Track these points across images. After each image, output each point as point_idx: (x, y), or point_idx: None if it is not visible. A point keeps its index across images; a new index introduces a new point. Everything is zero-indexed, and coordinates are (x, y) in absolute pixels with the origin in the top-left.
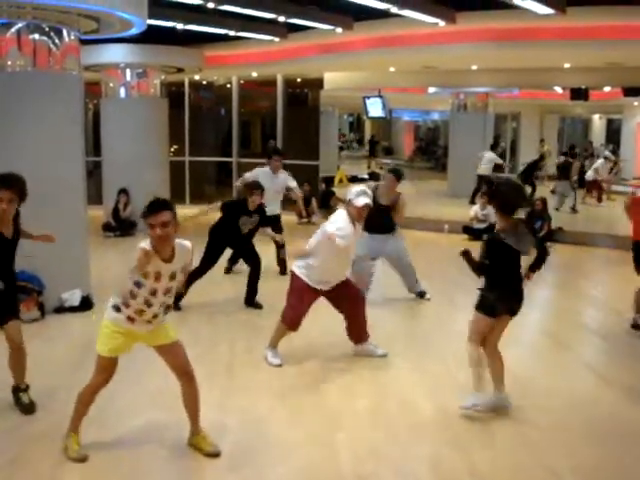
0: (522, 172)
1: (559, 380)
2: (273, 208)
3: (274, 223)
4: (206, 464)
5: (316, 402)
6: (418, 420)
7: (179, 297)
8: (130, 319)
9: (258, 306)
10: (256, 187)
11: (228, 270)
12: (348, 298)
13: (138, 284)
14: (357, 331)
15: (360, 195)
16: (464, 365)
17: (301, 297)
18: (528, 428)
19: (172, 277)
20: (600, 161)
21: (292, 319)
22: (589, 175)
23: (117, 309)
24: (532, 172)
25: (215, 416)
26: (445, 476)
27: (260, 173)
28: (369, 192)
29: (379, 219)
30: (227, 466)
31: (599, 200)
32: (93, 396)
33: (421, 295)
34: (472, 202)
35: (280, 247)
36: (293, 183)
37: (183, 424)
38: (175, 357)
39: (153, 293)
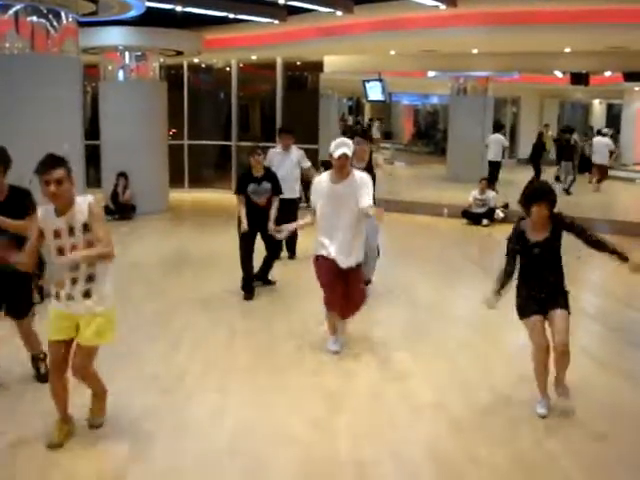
0: (531, 156)
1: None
2: (290, 190)
3: (290, 207)
4: (204, 447)
5: (315, 386)
6: (417, 405)
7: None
8: (56, 295)
9: (270, 283)
10: (253, 149)
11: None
12: (347, 297)
13: (49, 249)
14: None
15: (338, 147)
16: (463, 350)
17: (323, 273)
18: (526, 413)
19: (71, 231)
20: (606, 140)
21: (326, 299)
22: (600, 158)
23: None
24: (540, 154)
25: (215, 398)
26: (443, 461)
27: (271, 153)
28: (349, 142)
29: None
30: (226, 450)
31: (599, 182)
32: (55, 388)
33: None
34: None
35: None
36: (307, 163)
37: (179, 408)
38: (76, 356)
39: (61, 252)
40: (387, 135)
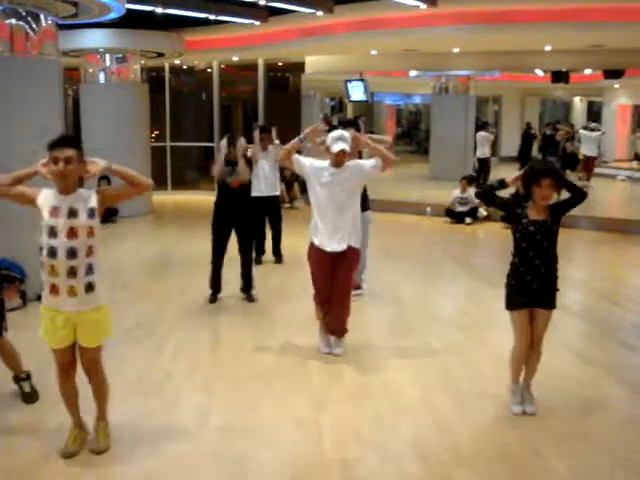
0: (519, 153)
1: (541, 361)
2: (271, 188)
3: (271, 204)
4: (189, 449)
5: (300, 386)
6: (402, 403)
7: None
8: (51, 289)
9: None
10: (230, 138)
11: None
12: (335, 285)
13: (41, 231)
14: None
15: (336, 141)
16: (447, 348)
17: (313, 262)
18: (511, 409)
19: (72, 213)
20: (597, 134)
21: (316, 290)
22: (590, 150)
23: (44, 287)
24: (530, 149)
25: (199, 400)
26: (430, 458)
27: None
28: (347, 136)
29: None
30: (211, 452)
31: (588, 179)
32: (65, 389)
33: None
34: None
35: (276, 235)
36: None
37: (162, 410)
38: (84, 357)
39: (53, 233)
40: (370, 133)
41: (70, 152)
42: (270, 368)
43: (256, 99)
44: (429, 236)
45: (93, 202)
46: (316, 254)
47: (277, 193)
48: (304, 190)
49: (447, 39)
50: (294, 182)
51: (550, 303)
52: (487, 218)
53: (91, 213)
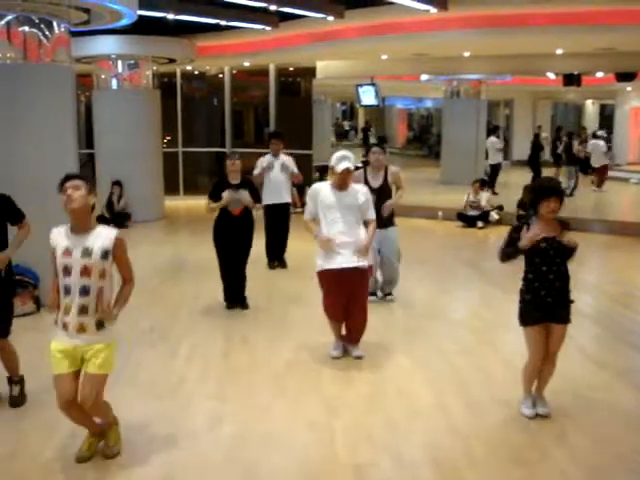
0: (529, 158)
1: (565, 368)
2: (282, 195)
3: (280, 212)
4: (202, 453)
5: (313, 390)
6: (416, 407)
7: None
8: (63, 325)
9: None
10: (229, 154)
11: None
12: (351, 304)
13: (56, 267)
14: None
15: (341, 160)
16: (459, 351)
17: (324, 284)
18: (520, 414)
19: (87, 253)
20: (602, 143)
21: (325, 307)
22: (599, 160)
23: (55, 322)
24: (538, 155)
25: (212, 404)
26: (443, 463)
27: (261, 160)
28: (350, 156)
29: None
30: (224, 455)
31: (599, 186)
32: (71, 414)
33: (386, 294)
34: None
35: (281, 243)
36: (294, 169)
37: (176, 414)
38: (85, 386)
39: (67, 271)
40: (381, 139)
41: (77, 182)
42: (283, 372)
43: (267, 104)
44: (441, 240)
45: (108, 244)
46: (328, 279)
47: (287, 200)
48: None
49: (458, 43)
50: (305, 187)
51: (565, 317)
52: (499, 222)
53: (104, 254)
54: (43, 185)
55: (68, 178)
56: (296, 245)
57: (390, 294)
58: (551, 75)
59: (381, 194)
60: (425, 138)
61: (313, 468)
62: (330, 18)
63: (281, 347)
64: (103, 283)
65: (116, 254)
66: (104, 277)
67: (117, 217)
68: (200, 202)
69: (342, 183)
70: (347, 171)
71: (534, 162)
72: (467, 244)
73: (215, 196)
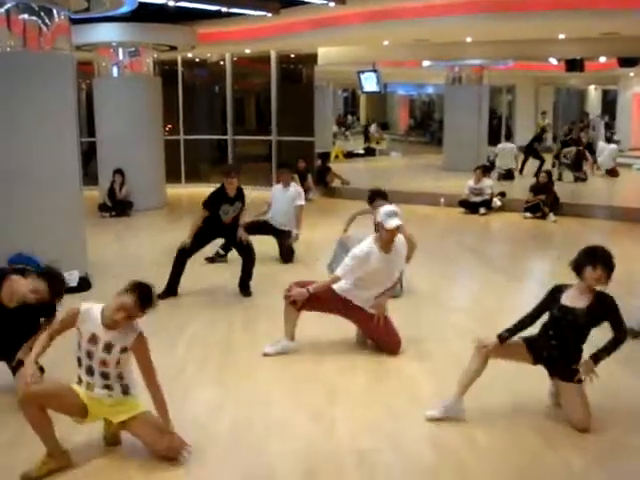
0: (527, 146)
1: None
2: (285, 223)
3: (282, 236)
4: (204, 443)
5: (314, 378)
6: (416, 394)
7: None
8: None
9: (248, 294)
10: (228, 172)
11: (213, 259)
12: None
13: (79, 343)
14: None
15: (390, 216)
16: (462, 338)
17: (332, 302)
18: (525, 399)
19: (108, 349)
20: (611, 148)
21: (292, 288)
22: (609, 163)
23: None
24: (536, 144)
25: (213, 393)
26: (444, 451)
27: (274, 189)
28: (399, 211)
29: None
30: (225, 443)
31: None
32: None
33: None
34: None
35: (286, 237)
36: (300, 202)
37: (177, 403)
38: (141, 433)
39: (89, 356)
40: (383, 126)
41: (131, 304)
42: (283, 360)
43: (269, 91)
44: (443, 227)
45: (129, 342)
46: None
47: (288, 229)
48: (319, 181)
49: (460, 28)
50: (307, 174)
51: (566, 374)
52: (501, 208)
53: (123, 350)
54: (44, 175)
55: (144, 301)
56: (301, 234)
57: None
58: (553, 60)
59: None
60: (427, 124)
61: (315, 455)
62: (331, 4)
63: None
64: (121, 369)
65: (136, 353)
66: (121, 364)
67: (119, 205)
68: (202, 190)
69: (390, 240)
70: (398, 228)
71: (532, 151)
72: (469, 230)
73: (211, 206)
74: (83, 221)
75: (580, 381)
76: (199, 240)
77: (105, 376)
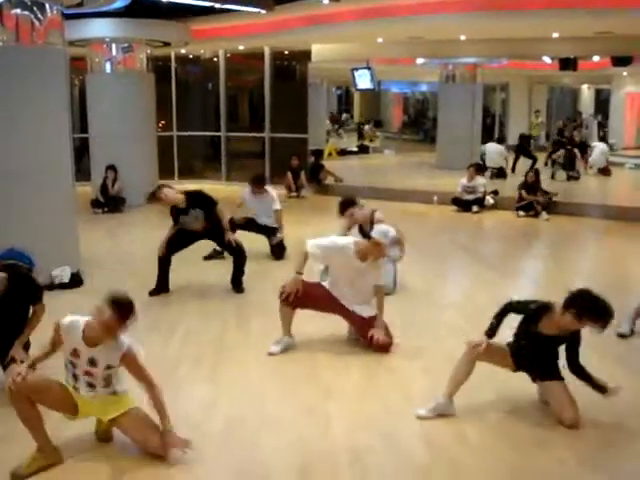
0: (518, 145)
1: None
2: (268, 221)
3: (269, 231)
4: (197, 438)
5: (309, 375)
6: (410, 391)
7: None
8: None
9: (240, 290)
10: (158, 188)
11: (210, 257)
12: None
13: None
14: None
15: (391, 245)
16: (454, 336)
17: (314, 286)
18: (517, 397)
19: (92, 363)
20: (605, 149)
21: (285, 292)
22: (601, 162)
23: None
24: (527, 144)
25: (207, 390)
26: (437, 447)
27: (245, 194)
28: (400, 241)
29: None
30: (219, 442)
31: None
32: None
33: None
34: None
35: (271, 234)
36: (277, 206)
37: (170, 399)
38: (130, 430)
39: (73, 365)
40: (377, 123)
41: (114, 319)
42: (278, 357)
43: (262, 88)
44: (436, 225)
45: (115, 360)
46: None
47: (274, 226)
48: (312, 178)
49: (454, 26)
50: (301, 171)
51: (546, 373)
52: (494, 206)
53: (109, 367)
54: (37, 171)
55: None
56: (294, 231)
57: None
58: (547, 59)
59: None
60: (420, 122)
61: (309, 452)
62: (325, 1)
63: (276, 332)
64: (109, 372)
65: (127, 366)
66: (109, 382)
67: (111, 201)
68: (195, 186)
69: (378, 256)
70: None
71: (523, 150)
72: (462, 228)
73: (174, 220)
74: (76, 217)
75: (562, 378)
76: (176, 245)
77: (91, 385)
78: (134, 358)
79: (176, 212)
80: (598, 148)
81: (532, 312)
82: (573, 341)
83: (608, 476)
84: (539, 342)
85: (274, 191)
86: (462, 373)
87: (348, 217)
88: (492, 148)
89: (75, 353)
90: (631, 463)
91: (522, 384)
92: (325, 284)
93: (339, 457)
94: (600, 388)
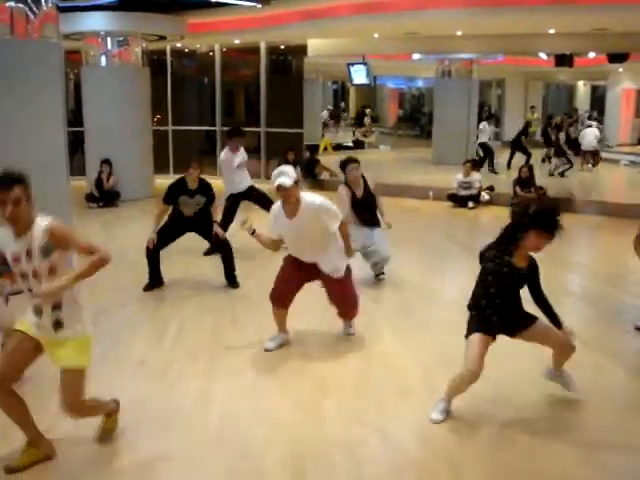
0: (513, 140)
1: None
2: (244, 182)
3: (249, 195)
4: (192, 433)
5: (302, 370)
6: (404, 387)
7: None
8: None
9: (235, 285)
10: (194, 161)
11: (209, 252)
12: (334, 294)
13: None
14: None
15: (275, 178)
16: (450, 331)
17: (284, 265)
18: (511, 393)
19: (28, 255)
20: (594, 130)
21: (272, 291)
22: (591, 144)
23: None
24: (522, 139)
25: (201, 384)
26: (431, 442)
27: (223, 156)
28: (288, 171)
29: (361, 214)
30: (213, 436)
31: (595, 165)
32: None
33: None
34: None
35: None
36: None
37: (164, 395)
38: (62, 387)
39: (23, 276)
40: (372, 119)
41: (17, 192)
42: (272, 353)
43: (258, 83)
44: (432, 220)
45: (44, 238)
46: (292, 260)
47: (249, 184)
48: (307, 173)
49: (450, 22)
50: (296, 165)
51: (522, 325)
52: (490, 202)
53: (45, 251)
54: (31, 164)
55: (4, 184)
56: None
57: (382, 274)
58: (543, 55)
59: (362, 205)
60: (416, 118)
61: (303, 446)
62: None
63: (270, 327)
64: (52, 267)
65: (58, 244)
66: (54, 273)
67: (106, 196)
68: None
69: (285, 200)
70: (282, 189)
71: (518, 145)
72: (458, 224)
73: (170, 200)
74: (71, 211)
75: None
76: (166, 236)
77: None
78: (60, 227)
79: (180, 191)
80: (590, 132)
81: (502, 249)
82: (535, 274)
83: (608, 477)
84: (515, 279)
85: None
86: (475, 378)
87: (349, 173)
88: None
89: (16, 258)
90: (631, 463)
91: (517, 383)
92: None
93: (333, 452)
94: (557, 323)
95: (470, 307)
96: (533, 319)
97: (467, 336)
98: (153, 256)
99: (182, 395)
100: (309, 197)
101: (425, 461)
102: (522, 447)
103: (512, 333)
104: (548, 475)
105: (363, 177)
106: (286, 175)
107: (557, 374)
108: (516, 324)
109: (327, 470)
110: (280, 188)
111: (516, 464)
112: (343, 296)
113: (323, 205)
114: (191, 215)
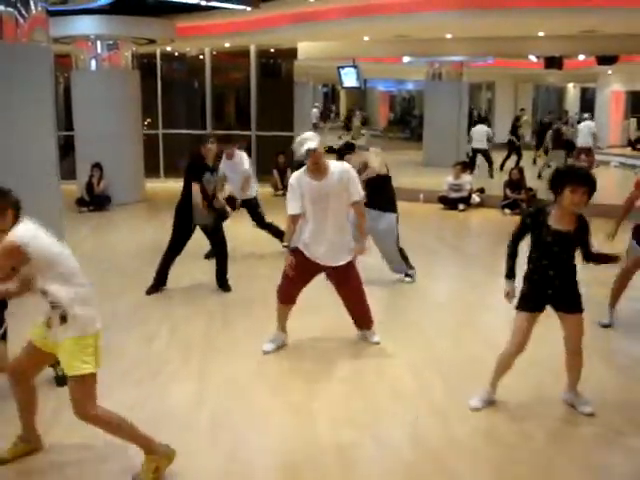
0: (508, 141)
1: (540, 348)
2: (252, 190)
3: (249, 205)
4: (183, 436)
5: (294, 372)
6: (397, 389)
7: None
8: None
9: (227, 288)
10: (206, 137)
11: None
12: (346, 287)
13: None
14: (356, 319)
15: (302, 144)
16: (442, 334)
17: (293, 264)
18: (504, 396)
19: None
20: (591, 125)
21: (280, 288)
22: (586, 141)
23: None
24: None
25: (193, 385)
26: (424, 444)
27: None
28: (310, 136)
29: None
30: (205, 435)
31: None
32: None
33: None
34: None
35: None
36: (245, 165)
37: (156, 398)
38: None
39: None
40: (363, 122)
41: None
42: (264, 356)
43: (248, 86)
44: (422, 222)
45: None
46: (303, 261)
47: (252, 195)
48: None
49: (440, 24)
50: (287, 168)
51: (573, 306)
52: (480, 204)
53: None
54: (21, 168)
55: None
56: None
57: (409, 275)
58: (533, 58)
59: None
60: (407, 121)
61: (295, 449)
62: None
63: (262, 330)
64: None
65: None
66: (27, 283)
67: (97, 200)
68: (181, 185)
69: (314, 165)
70: (313, 152)
71: (512, 145)
72: (448, 226)
73: (198, 177)
74: (61, 215)
75: (582, 310)
76: (182, 233)
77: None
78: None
79: (204, 167)
80: (583, 125)
81: (534, 218)
82: (583, 233)
83: (601, 475)
84: (561, 243)
85: (245, 155)
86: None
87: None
88: (480, 129)
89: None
90: (623, 462)
91: (513, 382)
92: (300, 246)
93: (325, 454)
94: (614, 259)
95: (524, 278)
96: (580, 309)
97: (516, 308)
98: (174, 255)
99: (173, 398)
100: (336, 162)
101: (417, 464)
102: (515, 450)
103: (562, 307)
104: (543, 477)
105: (366, 164)
106: (312, 140)
107: (573, 395)
108: (565, 301)
109: (319, 472)
110: (310, 152)
111: (509, 467)
112: (357, 293)
113: (352, 171)
114: (210, 197)
